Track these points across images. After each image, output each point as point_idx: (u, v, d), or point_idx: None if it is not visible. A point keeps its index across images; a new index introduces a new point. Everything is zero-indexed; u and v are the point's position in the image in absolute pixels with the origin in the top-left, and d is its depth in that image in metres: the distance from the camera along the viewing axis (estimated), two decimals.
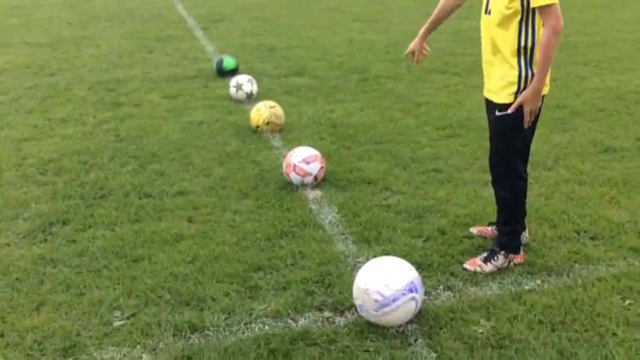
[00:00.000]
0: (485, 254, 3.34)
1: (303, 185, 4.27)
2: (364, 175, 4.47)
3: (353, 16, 11.36)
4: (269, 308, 2.99)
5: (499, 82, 3.09)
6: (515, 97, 3.05)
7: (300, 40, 9.33)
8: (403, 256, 3.09)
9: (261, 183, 4.37)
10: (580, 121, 5.50)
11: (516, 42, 2.99)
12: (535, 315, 2.90)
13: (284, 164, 4.36)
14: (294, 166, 4.27)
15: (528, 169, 4.05)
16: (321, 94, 6.58)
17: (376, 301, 2.79)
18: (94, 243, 3.59)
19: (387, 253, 3.25)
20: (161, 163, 4.75)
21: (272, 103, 5.51)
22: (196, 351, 2.70)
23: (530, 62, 3.02)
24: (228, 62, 7.31)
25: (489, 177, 4.18)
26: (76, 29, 10.51)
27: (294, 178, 4.27)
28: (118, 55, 8.53)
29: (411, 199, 4.09)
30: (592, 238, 3.59)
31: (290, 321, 2.90)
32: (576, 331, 2.79)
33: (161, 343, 2.75)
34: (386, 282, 2.80)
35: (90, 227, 3.80)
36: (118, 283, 3.20)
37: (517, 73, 3.02)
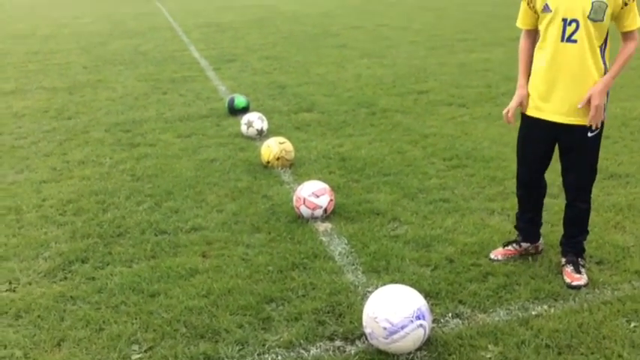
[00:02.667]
0: (570, 267, 3.49)
1: (314, 218, 4.39)
2: (373, 206, 4.58)
3: (360, 52, 11.63)
4: (282, 339, 3.09)
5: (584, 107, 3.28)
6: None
7: (310, 77, 9.56)
8: (412, 285, 3.18)
9: (273, 217, 4.50)
10: None
11: (602, 65, 3.27)
12: (542, 339, 2.97)
13: (294, 198, 4.49)
14: (304, 199, 4.40)
15: None
16: (330, 128, 6.75)
17: (385, 328, 2.87)
18: (112, 280, 3.72)
19: (396, 282, 3.34)
20: (176, 201, 4.90)
21: (282, 139, 5.69)
22: None
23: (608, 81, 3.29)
24: (240, 101, 7.53)
25: (496, 205, 4.28)
26: (92, 73, 10.86)
27: (304, 211, 4.40)
28: (133, 97, 8.80)
29: (419, 228, 4.19)
30: (598, 263, 3.66)
31: (302, 351, 2.99)
32: (583, 354, 2.85)
33: None
34: (394, 310, 2.89)
35: (108, 265, 3.93)
36: (136, 318, 3.32)
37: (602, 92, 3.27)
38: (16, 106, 8.53)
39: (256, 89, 8.87)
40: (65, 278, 3.79)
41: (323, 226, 4.31)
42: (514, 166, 5.33)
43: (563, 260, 3.56)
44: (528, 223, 3.74)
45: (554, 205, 4.47)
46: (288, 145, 5.60)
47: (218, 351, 3.00)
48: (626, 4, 3.20)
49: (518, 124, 3.64)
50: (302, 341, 3.05)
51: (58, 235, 4.39)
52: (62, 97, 9.05)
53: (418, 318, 2.89)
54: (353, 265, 3.77)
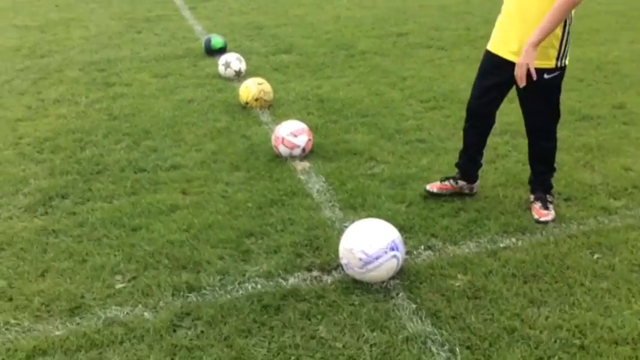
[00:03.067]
0: (539, 204, 3.64)
1: (292, 157, 4.47)
2: (350, 146, 4.67)
3: None
4: (261, 270, 3.21)
5: (541, 49, 3.30)
6: (557, 60, 3.38)
7: (288, 18, 9.45)
8: (387, 220, 3.29)
9: (252, 156, 4.57)
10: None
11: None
12: (509, 269, 3.14)
13: (273, 137, 4.55)
14: (283, 139, 4.46)
15: (508, 138, 4.27)
16: (308, 70, 6.75)
17: (360, 259, 3.01)
18: (93, 214, 3.79)
19: (372, 218, 3.47)
20: (154, 140, 4.93)
21: (260, 80, 5.69)
22: (194, 308, 2.92)
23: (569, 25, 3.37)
24: (216, 41, 7.44)
25: None
26: (64, 11, 10.56)
27: (283, 150, 4.47)
28: (107, 36, 8.63)
29: (395, 168, 4.30)
30: (565, 200, 3.83)
31: (281, 280, 3.13)
32: (547, 283, 3.03)
33: (161, 302, 2.97)
34: (369, 242, 3.02)
35: (88, 200, 3.99)
36: (118, 250, 3.41)
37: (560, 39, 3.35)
38: None
39: (233, 30, 8.76)
40: (46, 213, 3.85)
41: (301, 165, 4.40)
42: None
43: (532, 197, 3.71)
44: (468, 162, 3.85)
45: (526, 145, 4.60)
46: (267, 86, 5.62)
47: (200, 280, 3.12)
48: None
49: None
50: (280, 272, 3.19)
51: (37, 172, 4.41)
52: (34, 35, 8.83)
53: (392, 249, 3.03)
54: (330, 202, 3.89)
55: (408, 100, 5.67)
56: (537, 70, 3.33)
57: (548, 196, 3.69)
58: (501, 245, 3.36)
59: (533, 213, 3.63)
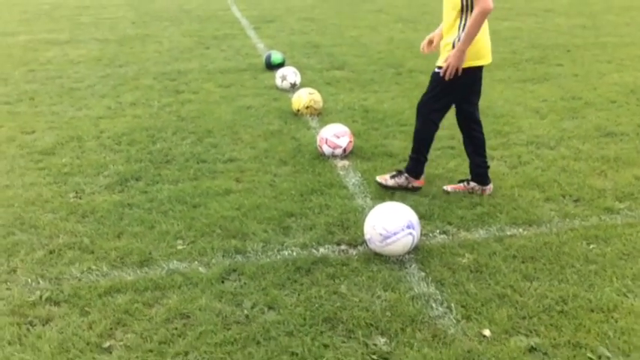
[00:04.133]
0: (394, 172, 4.47)
1: (334, 156, 5.10)
2: (387, 150, 5.26)
3: (396, 17, 12.15)
4: (297, 241, 3.83)
5: (443, 49, 4.18)
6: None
7: (344, 39, 10.17)
8: (412, 205, 3.87)
9: (298, 154, 5.23)
10: (590, 111, 6.14)
11: (458, 20, 4.06)
12: (510, 252, 3.64)
13: (318, 138, 5.20)
14: (326, 139, 5.10)
15: (533, 148, 4.78)
16: (357, 84, 7.40)
17: (381, 234, 3.58)
18: (161, 193, 4.52)
19: None
20: (215, 138, 5.67)
21: (312, 90, 6.37)
22: (239, 266, 3.56)
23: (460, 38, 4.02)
24: (276, 57, 8.22)
25: (496, 153, 5.03)
26: (140, 28, 11.68)
27: (326, 149, 5.11)
28: (179, 50, 9.57)
29: (425, 168, 4.86)
30: (575, 201, 4.29)
31: (313, 250, 3.73)
32: (542, 263, 3.52)
33: (213, 260, 3.63)
34: (390, 219, 3.59)
35: (157, 183, 4.73)
36: (180, 221, 4.10)
37: (452, 44, 4.07)
38: (72, 55, 9.40)
39: (292, 48, 9.54)
40: (122, 191, 4.61)
41: (341, 163, 5.02)
42: (520, 122, 6.01)
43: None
44: (477, 167, 4.43)
45: (549, 154, 5.07)
46: (317, 96, 6.29)
47: (245, 246, 3.77)
48: None
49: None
50: (313, 243, 3.79)
51: (115, 160, 5.21)
52: (113, 48, 9.88)
53: (408, 227, 3.59)
54: (363, 193, 4.48)
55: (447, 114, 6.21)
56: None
57: (403, 175, 4.48)
58: (508, 233, 3.87)
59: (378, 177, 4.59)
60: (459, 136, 5.52)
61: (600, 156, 4.99)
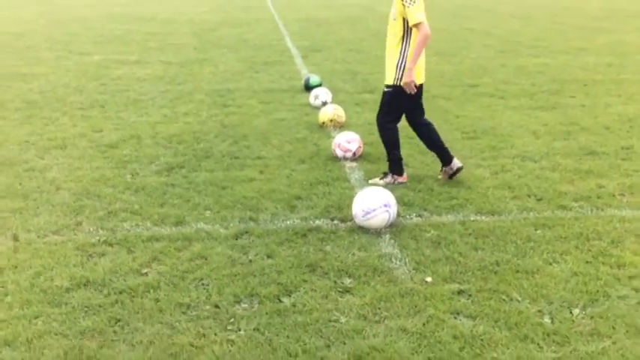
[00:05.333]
0: (382, 175, 5.54)
1: (345, 158, 6.13)
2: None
3: (435, 51, 13.11)
4: (299, 216, 4.87)
5: (388, 70, 5.32)
6: (394, 80, 5.31)
7: (382, 68, 11.20)
8: (397, 197, 4.84)
9: (316, 156, 6.29)
10: (583, 134, 6.96)
11: (400, 46, 5.19)
12: (468, 231, 4.56)
13: (333, 143, 6.25)
14: (339, 144, 6.15)
15: (518, 161, 5.77)
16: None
17: (363, 210, 4.57)
18: (198, 178, 5.66)
19: None
20: (249, 141, 6.81)
21: (337, 106, 7.47)
22: (250, 229, 4.62)
23: (404, 58, 5.18)
24: (314, 80, 9.37)
25: (483, 162, 5.98)
26: (200, 53, 13.14)
27: (338, 152, 6.14)
28: (231, 73, 10.90)
29: (419, 170, 5.84)
30: (538, 200, 5.16)
31: (310, 222, 4.76)
32: (491, 239, 4.43)
33: (231, 224, 4.71)
34: (371, 199, 4.58)
35: (196, 171, 5.88)
36: (210, 198, 5.21)
37: (396, 65, 5.22)
38: (139, 73, 10.86)
39: (333, 74, 10.69)
40: (168, 175, 5.78)
41: (350, 164, 6.04)
42: (515, 140, 6.90)
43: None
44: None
45: (530, 166, 5.94)
46: (341, 111, 7.37)
47: (258, 217, 4.83)
48: (404, 7, 5.04)
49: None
50: (312, 218, 4.82)
51: (165, 153, 6.41)
52: (175, 69, 11.31)
53: (385, 206, 4.57)
54: (362, 185, 5.47)
55: (453, 132, 7.15)
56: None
57: (389, 175, 5.56)
58: (472, 219, 4.78)
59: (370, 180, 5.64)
60: (458, 146, 6.53)
61: (574, 168, 5.83)
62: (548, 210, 4.94)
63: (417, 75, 5.31)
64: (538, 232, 4.56)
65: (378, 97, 9.31)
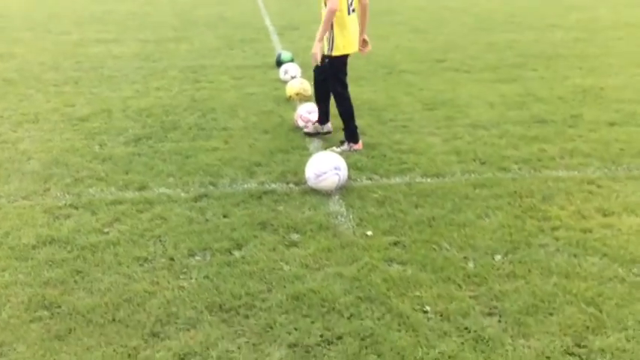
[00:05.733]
0: (339, 144, 5.91)
1: (306, 128, 6.45)
2: None
3: (412, 28, 13.46)
4: (257, 180, 5.20)
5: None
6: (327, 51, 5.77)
7: None
8: (348, 162, 5.18)
9: (279, 127, 6.62)
10: (537, 105, 7.32)
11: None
12: (412, 191, 4.93)
13: (295, 114, 6.57)
14: (300, 115, 6.48)
15: (470, 129, 6.18)
16: (352, 82, 8.68)
17: (314, 173, 4.92)
18: (164, 148, 5.99)
19: None
20: (216, 114, 7.12)
21: (303, 80, 7.77)
22: (210, 192, 4.96)
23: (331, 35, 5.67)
24: (285, 56, 9.65)
25: (438, 131, 6.34)
26: (179, 31, 13.35)
27: (300, 122, 6.48)
28: (207, 50, 11.16)
29: (375, 139, 6.18)
30: (482, 163, 5.53)
31: (267, 185, 5.10)
32: (432, 198, 4.79)
33: (192, 189, 5.04)
34: (321, 162, 4.93)
35: (163, 141, 6.20)
36: (175, 166, 5.53)
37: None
38: (115, 51, 11.09)
39: (306, 50, 10.84)
40: (135, 146, 6.09)
41: (308, 134, 6.37)
42: (471, 110, 7.23)
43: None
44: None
45: (480, 133, 6.29)
46: (307, 85, 7.68)
47: (217, 182, 5.17)
48: None
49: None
50: (269, 182, 5.16)
51: (134, 126, 6.72)
52: (151, 47, 11.54)
53: (335, 169, 4.91)
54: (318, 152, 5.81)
55: (414, 104, 7.49)
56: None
57: (346, 143, 5.93)
58: (417, 181, 5.14)
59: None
60: (417, 117, 6.88)
61: (521, 135, 6.20)
62: (489, 172, 5.30)
63: (347, 45, 5.82)
64: (476, 191, 4.93)
65: (351, 73, 9.62)
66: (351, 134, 5.94)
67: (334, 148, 5.89)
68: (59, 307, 3.49)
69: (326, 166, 4.91)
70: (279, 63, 9.59)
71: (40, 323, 3.35)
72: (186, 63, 10.04)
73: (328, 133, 6.25)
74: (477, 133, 6.32)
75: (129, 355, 3.09)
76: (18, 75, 9.23)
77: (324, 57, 5.82)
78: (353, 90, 8.27)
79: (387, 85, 8.46)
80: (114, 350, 3.12)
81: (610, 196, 4.80)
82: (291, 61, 9.55)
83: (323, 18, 5.64)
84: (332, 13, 5.55)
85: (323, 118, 6.25)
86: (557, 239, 4.15)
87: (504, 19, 14.43)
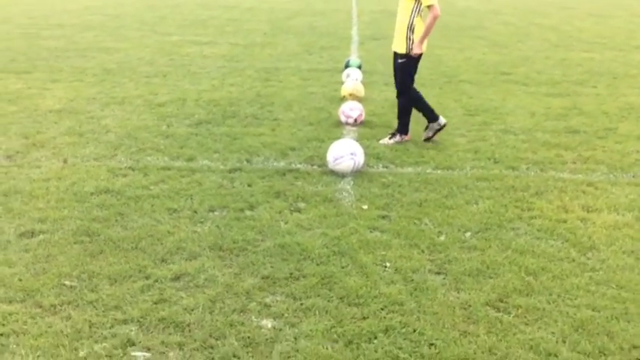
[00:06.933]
0: (390, 135, 6.44)
1: (347, 123, 7.21)
2: (391, 124, 7.24)
3: (490, 42, 13.85)
4: (287, 161, 6.01)
5: (400, 42, 6.29)
6: (406, 49, 6.25)
7: (428, 55, 12.11)
8: (373, 152, 5.89)
9: (324, 121, 7.42)
10: (578, 118, 7.66)
11: (408, 20, 6.12)
12: (419, 179, 5.55)
13: (339, 110, 7.34)
14: (343, 111, 7.25)
15: (499, 134, 6.53)
16: None
17: (333, 156, 5.66)
18: (218, 130, 6.97)
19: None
20: (273, 107, 8.04)
21: (357, 82, 8.52)
22: (243, 167, 5.83)
23: (412, 32, 6.14)
24: (354, 61, 10.44)
25: (467, 133, 6.85)
26: (268, 38, 14.52)
27: (342, 118, 7.25)
28: (286, 54, 12.18)
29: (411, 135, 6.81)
30: (495, 162, 6.04)
31: (292, 165, 5.91)
32: (433, 186, 5.40)
33: (229, 163, 5.93)
34: (339, 148, 5.67)
35: (219, 126, 7.19)
36: (221, 144, 6.46)
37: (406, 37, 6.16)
38: (206, 52, 12.37)
39: (379, 59, 11.70)
40: (196, 127, 7.11)
41: (350, 128, 7.13)
42: (508, 118, 7.76)
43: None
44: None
45: (507, 137, 6.75)
46: (360, 86, 8.44)
47: (252, 160, 6.03)
48: None
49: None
50: (297, 162, 5.96)
51: (200, 112, 7.77)
52: (238, 49, 12.73)
53: (351, 154, 5.64)
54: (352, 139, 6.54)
55: (458, 109, 8.04)
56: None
57: (397, 135, 6.64)
58: (427, 171, 5.76)
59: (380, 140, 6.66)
60: (454, 121, 7.42)
61: (546, 142, 6.63)
62: (497, 169, 5.82)
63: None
64: (477, 183, 5.48)
65: None
66: (404, 126, 6.62)
67: (384, 140, 6.58)
68: (98, 235, 4.47)
69: (343, 151, 5.65)
70: (347, 67, 10.40)
71: (81, 245, 4.34)
72: (264, 65, 11.09)
73: (444, 126, 6.70)
74: (505, 137, 6.80)
75: (139, 270, 3.99)
76: (117, 66, 10.65)
77: (407, 55, 6.41)
78: None
79: (441, 92, 9.03)
80: (129, 267, 4.04)
81: (601, 196, 5.20)
82: (359, 66, 10.34)
83: (402, 9, 6.30)
84: (436, 19, 6.13)
85: (431, 115, 6.72)
86: (530, 225, 4.65)
87: (590, 38, 14.46)
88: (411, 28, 6.23)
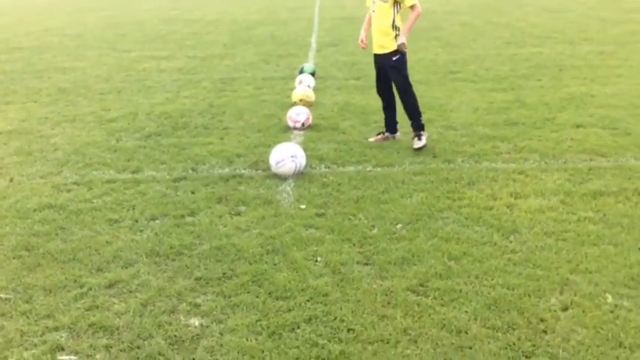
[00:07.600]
0: (416, 138, 6.49)
1: (295, 128, 7.38)
2: (337, 127, 7.42)
3: (446, 43, 14.12)
4: (232, 167, 6.14)
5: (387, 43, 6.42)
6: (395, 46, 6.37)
7: None
8: (315, 153, 6.04)
9: (273, 127, 7.58)
10: (519, 110, 7.89)
11: (391, 21, 6.28)
12: (358, 177, 5.70)
13: (287, 116, 7.50)
14: (290, 116, 7.41)
15: (441, 130, 6.74)
16: (358, 89, 9.60)
17: (275, 160, 5.81)
18: (167, 142, 7.08)
19: (314, 153, 6.21)
20: (224, 116, 8.18)
21: (307, 87, 8.69)
22: (188, 175, 5.95)
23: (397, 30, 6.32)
24: (308, 68, 10.61)
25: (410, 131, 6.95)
26: (227, 49, 14.65)
27: (290, 123, 7.42)
28: (244, 64, 12.33)
29: (352, 137, 7.00)
30: (434, 157, 6.21)
31: (237, 171, 6.05)
32: (371, 182, 5.57)
33: (175, 172, 6.05)
34: (281, 151, 5.82)
35: (168, 137, 7.30)
36: (168, 155, 6.57)
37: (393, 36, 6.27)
38: (163, 66, 12.47)
39: (333, 64, 11.91)
40: (145, 140, 7.22)
41: (297, 132, 7.28)
42: (452, 115, 7.92)
43: (412, 134, 6.47)
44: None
45: (447, 133, 6.95)
46: (310, 92, 8.61)
47: (198, 168, 6.15)
48: None
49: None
50: (241, 168, 6.10)
51: (151, 125, 7.88)
52: (196, 62, 12.85)
53: (292, 157, 5.79)
54: (298, 142, 6.69)
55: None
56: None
57: (423, 133, 6.46)
58: (367, 169, 5.93)
59: (413, 144, 6.44)
60: (399, 119, 7.63)
61: (485, 135, 6.85)
62: (434, 163, 6.01)
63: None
64: (414, 177, 5.66)
65: (362, 84, 10.62)
66: (420, 124, 6.58)
67: (417, 144, 6.49)
68: (38, 249, 4.57)
69: (284, 154, 5.81)
70: (301, 74, 10.57)
71: (19, 259, 4.43)
72: (221, 76, 11.22)
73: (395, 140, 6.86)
74: (446, 133, 7.01)
75: (74, 280, 4.10)
76: (72, 85, 10.71)
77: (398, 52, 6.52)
78: (356, 97, 9.19)
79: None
80: (65, 278, 4.14)
81: (529, 183, 5.41)
82: (313, 73, 10.52)
83: (381, 13, 6.38)
84: (419, 16, 6.32)
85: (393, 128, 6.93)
86: (458, 214, 4.84)
87: (543, 33, 14.81)
88: (395, 27, 6.43)
